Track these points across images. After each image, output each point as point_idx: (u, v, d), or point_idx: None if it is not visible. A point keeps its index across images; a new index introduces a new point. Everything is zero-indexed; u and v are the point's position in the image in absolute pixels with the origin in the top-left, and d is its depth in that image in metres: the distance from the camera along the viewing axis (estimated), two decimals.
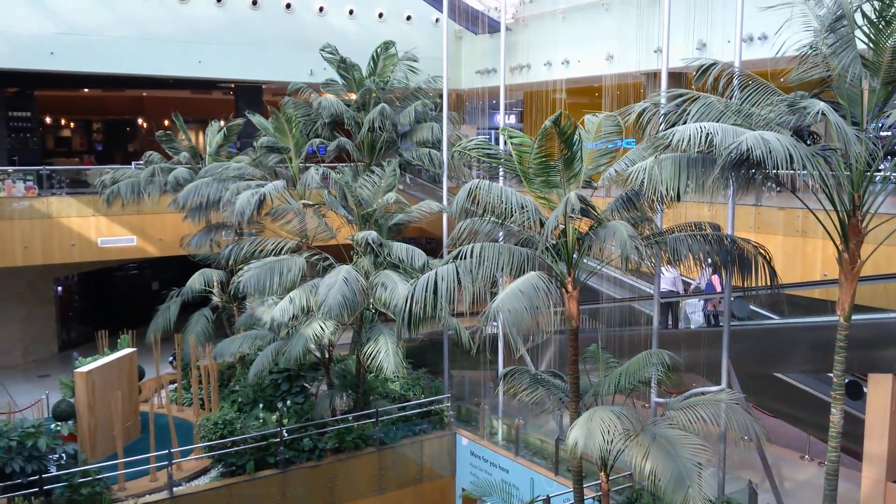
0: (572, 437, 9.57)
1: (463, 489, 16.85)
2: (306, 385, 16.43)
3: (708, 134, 8.84)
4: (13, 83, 23.64)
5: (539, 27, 22.73)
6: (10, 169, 20.24)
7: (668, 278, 15.59)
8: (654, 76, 19.18)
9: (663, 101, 10.72)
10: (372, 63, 20.30)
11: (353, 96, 20.34)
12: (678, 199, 9.86)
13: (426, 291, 10.73)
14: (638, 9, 18.12)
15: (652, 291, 13.80)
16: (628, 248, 9.62)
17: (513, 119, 28.08)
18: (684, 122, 9.71)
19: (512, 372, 11.93)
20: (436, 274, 10.87)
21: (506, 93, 18.12)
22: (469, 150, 12.15)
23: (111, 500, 13.39)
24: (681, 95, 10.35)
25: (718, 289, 15.19)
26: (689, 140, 8.88)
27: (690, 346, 14.71)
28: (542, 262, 11.00)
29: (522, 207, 10.90)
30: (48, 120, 31.00)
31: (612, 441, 9.30)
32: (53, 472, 13.02)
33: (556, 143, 10.69)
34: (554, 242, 10.85)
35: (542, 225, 10.88)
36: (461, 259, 10.83)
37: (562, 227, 10.78)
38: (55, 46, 20.08)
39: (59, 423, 15.13)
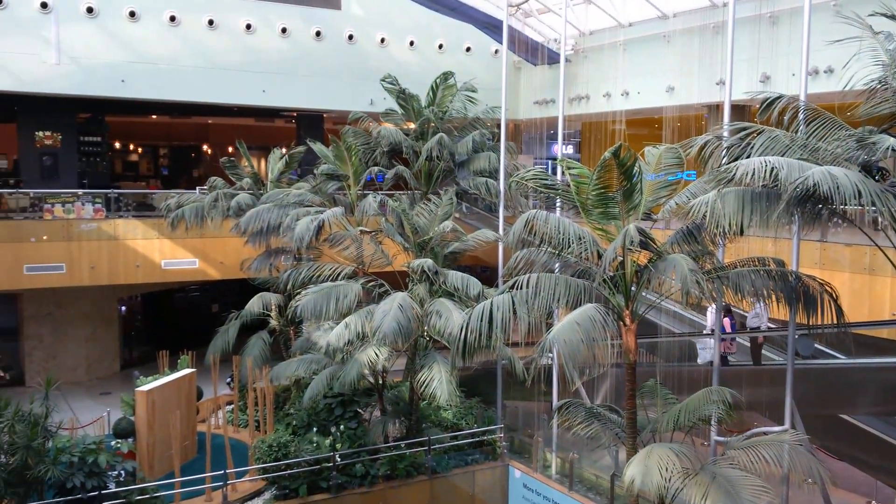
0: (629, 473, 9.42)
1: None
2: (360, 410, 16.50)
3: (773, 168, 8.70)
4: (86, 109, 24.59)
5: (599, 58, 22.73)
6: (81, 192, 20.94)
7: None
8: (716, 108, 18.96)
9: (726, 133, 10.61)
10: (431, 93, 20.56)
11: (412, 125, 20.60)
12: (741, 233, 9.71)
13: (481, 320, 10.74)
14: (700, 41, 18.02)
15: (713, 327, 13.54)
16: (689, 282, 9.48)
17: (570, 149, 28.01)
18: (748, 156, 9.59)
19: (567, 405, 11.81)
20: (491, 303, 10.89)
21: (564, 123, 18.12)
22: (527, 180, 12.18)
23: None
24: (745, 129, 10.22)
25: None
26: (754, 174, 8.75)
27: (752, 384, 14.35)
28: (599, 294, 10.92)
29: (580, 238, 10.86)
30: (117, 145, 32.08)
31: (670, 479, 9.12)
32: (112, 488, 13.29)
33: (616, 174, 10.64)
34: (612, 274, 10.77)
35: (599, 257, 10.81)
36: (517, 289, 10.83)
37: (620, 259, 10.70)
38: (126, 74, 20.82)
39: (119, 441, 15.51)
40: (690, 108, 20.15)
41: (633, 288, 10.85)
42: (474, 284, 14.75)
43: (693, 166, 12.57)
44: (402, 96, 20.41)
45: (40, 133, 22.19)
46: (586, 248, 10.82)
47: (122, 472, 13.71)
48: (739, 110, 17.35)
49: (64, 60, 20.00)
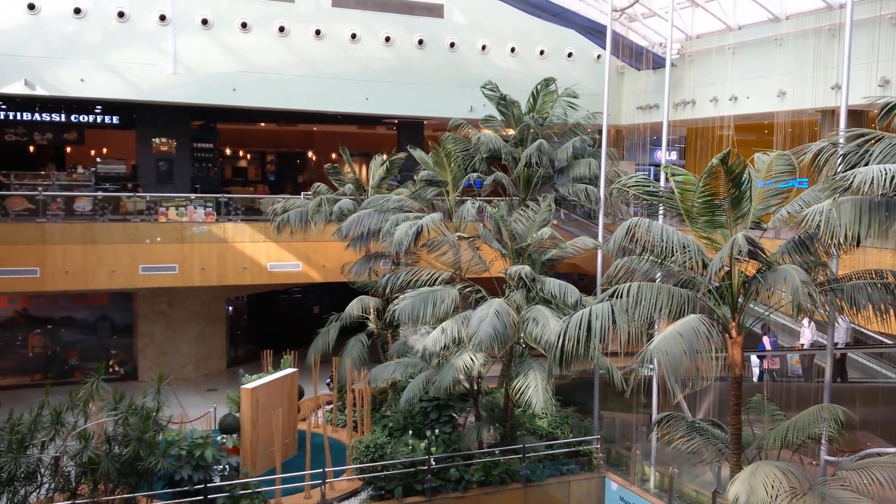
0: (733, 491, 9.08)
1: None
2: (454, 415, 16.55)
3: (893, 177, 8.25)
4: (199, 117, 25.74)
5: (706, 62, 22.13)
6: (193, 196, 21.90)
7: (807, 332, 14.75)
8: (830, 114, 18.13)
9: (842, 140, 10.11)
10: (531, 99, 20.48)
11: (512, 132, 20.57)
12: (857, 244, 9.23)
13: (579, 329, 10.59)
14: (815, 43, 17.27)
15: (824, 341, 12.92)
16: (801, 295, 9.08)
17: (674, 156, 27.38)
18: (866, 164, 9.11)
19: (667, 418, 11.51)
20: (590, 312, 10.72)
21: (668, 129, 17.72)
22: (628, 187, 11.96)
23: None
24: (863, 135, 9.72)
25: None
26: (873, 182, 8.32)
27: (867, 402, 13.61)
28: (704, 305, 10.60)
29: (684, 247, 10.56)
30: (228, 151, 33.39)
31: (776, 498, 8.74)
32: (217, 482, 13.76)
33: (723, 181, 10.32)
34: (717, 285, 10.43)
35: (704, 266, 10.49)
36: (617, 298, 10.62)
37: (726, 269, 10.34)
38: (238, 83, 21.68)
39: (225, 436, 16.07)
40: (803, 113, 19.34)
41: (739, 299, 10.47)
42: (572, 292, 14.56)
43: (806, 174, 12.04)
44: (503, 103, 20.42)
45: (157, 139, 23.35)
46: (691, 257, 10.51)
47: (227, 466, 14.19)
48: (856, 116, 16.54)
49: (180, 70, 21.00)
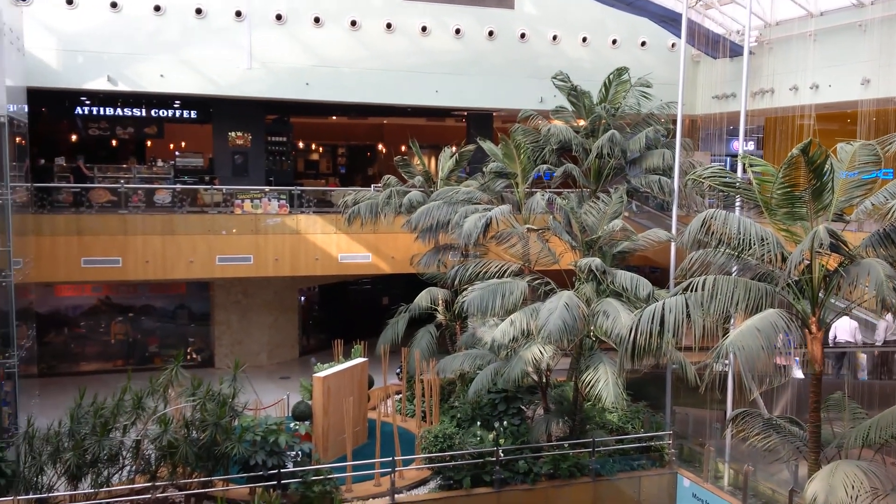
0: (811, 490, 8.83)
1: None
2: (523, 407, 16.52)
3: None
4: (273, 111, 26.25)
5: (785, 50, 21.43)
6: (267, 188, 22.36)
7: (847, 328, 14.14)
8: None
9: None
10: (603, 90, 20.21)
11: (583, 123, 20.34)
12: None
13: (651, 322, 10.45)
14: None
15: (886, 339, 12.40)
16: (885, 289, 8.75)
17: (751, 146, 26.62)
18: None
19: (743, 414, 11.26)
20: (663, 305, 10.56)
21: (746, 118, 17.23)
22: (704, 178, 11.70)
23: (340, 500, 14.22)
24: None
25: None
26: None
27: None
28: (782, 300, 10.30)
29: (762, 240, 10.29)
30: (300, 144, 33.97)
31: (856, 499, 8.46)
32: (290, 467, 14.07)
33: (804, 172, 10.00)
34: (797, 279, 10.12)
35: (783, 259, 10.20)
36: (691, 291, 10.42)
37: (807, 262, 10.03)
38: (311, 77, 22.02)
39: (297, 423, 16.40)
40: (889, 101, 18.55)
41: (820, 294, 10.14)
42: (644, 285, 14.34)
43: (891, 164, 11.56)
44: (574, 93, 20.21)
45: (233, 133, 23.92)
46: (769, 250, 10.23)
47: (300, 452, 14.48)
48: None
49: (255, 65, 21.45)
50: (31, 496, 12.93)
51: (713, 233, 10.81)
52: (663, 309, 10.36)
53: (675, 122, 19.17)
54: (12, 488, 12.93)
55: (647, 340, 10.37)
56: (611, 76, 20.17)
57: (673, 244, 17.43)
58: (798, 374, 15.46)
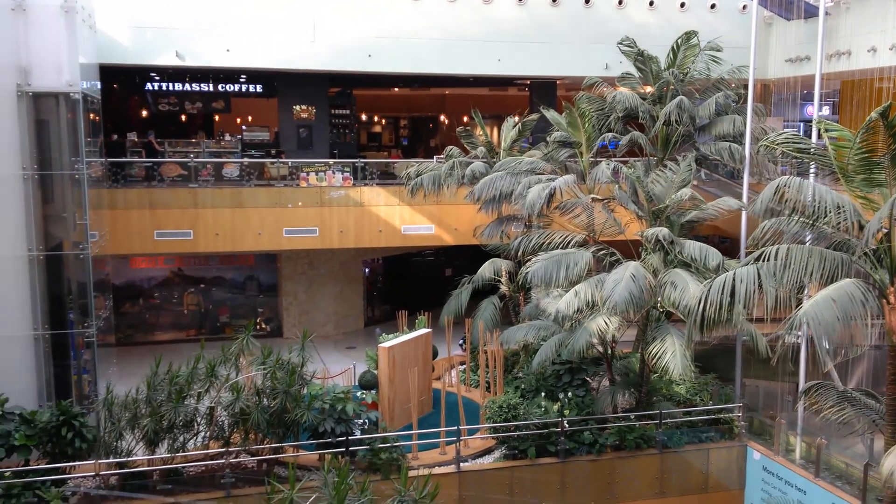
0: (888, 464, 8.58)
1: None
2: (588, 379, 16.44)
3: None
4: (336, 84, 26.39)
5: (864, 10, 20.44)
6: (332, 161, 22.55)
7: None
8: None
9: None
10: (671, 54, 19.67)
11: (649, 89, 19.87)
12: None
13: (721, 293, 10.24)
14: None
15: None
16: None
17: (826, 111, 25.64)
18: None
19: (816, 387, 10.97)
20: (734, 275, 10.32)
21: (821, 82, 16.57)
22: (777, 144, 11.32)
23: (407, 468, 14.45)
24: None
25: None
26: None
27: None
28: (859, 269, 9.94)
29: (838, 207, 9.94)
30: (363, 117, 34.12)
31: None
32: (358, 435, 14.37)
33: (883, 136, 9.60)
34: (874, 248, 9.75)
35: (860, 228, 9.84)
36: (763, 261, 10.15)
37: (885, 230, 9.64)
38: (373, 50, 22.00)
39: (364, 392, 16.71)
40: None
41: None
42: (713, 255, 14.03)
43: None
44: (640, 59, 19.72)
45: (297, 107, 24.15)
46: (845, 218, 9.88)
47: (367, 420, 14.76)
48: None
49: (318, 38, 21.53)
50: (111, 460, 13.50)
51: (787, 201, 10.48)
52: (734, 279, 10.12)
53: (746, 87, 18.56)
54: (94, 452, 13.53)
55: (717, 311, 10.17)
56: (679, 40, 19.61)
57: (744, 213, 16.97)
58: None
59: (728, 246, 20.83)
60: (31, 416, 13.35)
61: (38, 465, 13.39)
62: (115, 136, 23.42)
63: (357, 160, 22.80)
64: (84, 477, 13.61)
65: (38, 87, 14.93)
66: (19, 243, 14.91)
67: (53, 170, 15.29)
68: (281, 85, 24.15)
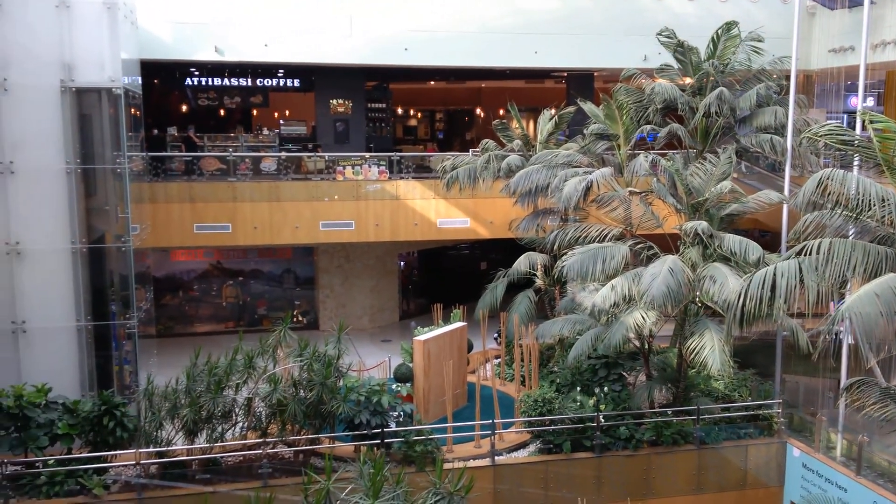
0: None
1: (792, 502, 15.59)
2: (624, 373, 16.32)
3: None
4: (373, 78, 26.47)
5: None
6: (368, 155, 22.65)
7: None
8: None
9: None
10: (711, 45, 19.36)
11: (689, 80, 19.59)
12: None
13: (762, 287, 10.09)
14: None
15: None
16: None
17: (870, 102, 25.04)
18: None
19: (858, 383, 10.75)
20: (774, 269, 10.16)
21: (866, 72, 16.19)
22: (820, 136, 11.10)
23: (442, 460, 14.46)
24: None
25: None
26: None
27: None
28: None
29: (883, 200, 9.72)
30: (399, 110, 34.20)
31: None
32: (393, 427, 14.43)
33: None
34: None
35: None
36: (805, 255, 9.96)
37: None
38: (409, 43, 22.02)
39: (399, 385, 16.78)
40: None
41: None
42: (754, 249, 13.80)
43: None
44: (680, 50, 19.44)
45: (334, 101, 24.27)
46: (890, 212, 9.65)
47: (402, 413, 14.82)
48: None
49: (355, 32, 21.61)
50: (151, 449, 13.75)
51: (829, 193, 10.28)
52: (775, 273, 9.96)
53: (788, 77, 18.21)
54: (134, 442, 13.79)
55: (757, 306, 10.02)
56: (719, 31, 19.28)
57: (785, 206, 16.68)
58: None
59: (768, 240, 20.48)
60: (73, 406, 13.65)
61: (81, 453, 13.68)
62: (156, 131, 23.79)
63: (393, 154, 22.86)
64: (125, 466, 13.88)
65: (81, 82, 15.20)
66: (63, 236, 15.23)
67: (96, 164, 15.58)
68: (318, 79, 24.30)
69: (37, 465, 13.14)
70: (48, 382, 13.89)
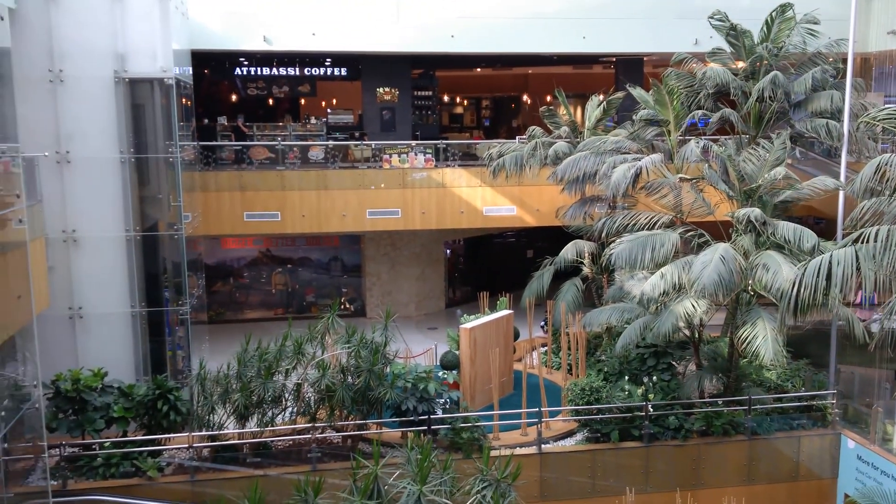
0: None
1: (846, 495, 15.25)
2: (673, 363, 16.11)
3: None
4: (419, 66, 26.47)
5: None
6: (414, 143, 22.68)
7: None
8: None
9: None
10: (765, 28, 18.87)
11: (742, 64, 19.15)
12: None
13: (817, 276, 9.89)
14: None
15: None
16: None
17: None
18: None
19: None
20: (830, 258, 9.92)
21: None
22: (878, 120, 10.78)
23: (489, 448, 14.50)
24: None
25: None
26: None
27: None
28: None
29: None
30: (445, 98, 34.15)
31: None
32: (440, 414, 14.49)
33: None
34: None
35: None
36: (862, 242, 9.70)
37: None
38: (455, 30, 21.93)
39: (446, 372, 16.84)
40: None
41: None
42: (808, 236, 13.46)
43: None
44: (732, 33, 18.99)
45: (381, 89, 24.34)
46: None
47: (448, 400, 14.86)
48: None
49: (402, 20, 21.61)
50: (203, 433, 14.03)
51: (888, 180, 10.01)
52: (830, 261, 9.74)
53: (844, 61, 17.67)
54: (187, 425, 14.09)
55: (812, 295, 9.83)
56: (773, 13, 18.78)
57: (842, 193, 16.22)
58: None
59: (823, 227, 20.00)
60: (128, 390, 14.00)
61: (136, 436, 14.03)
62: (207, 121, 24.16)
63: (439, 142, 22.85)
64: (178, 448, 14.22)
65: (134, 73, 15.50)
66: (117, 224, 15.59)
67: (149, 153, 15.88)
68: (365, 68, 24.38)
69: (93, 447, 13.52)
70: (104, 367, 14.27)
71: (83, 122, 15.29)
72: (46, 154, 14.39)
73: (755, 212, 14.00)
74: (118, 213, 15.59)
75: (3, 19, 11.73)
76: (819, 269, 9.76)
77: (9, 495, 10.81)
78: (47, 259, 14.83)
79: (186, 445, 14.00)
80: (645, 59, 25.26)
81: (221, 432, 14.25)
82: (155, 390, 13.92)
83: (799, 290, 9.90)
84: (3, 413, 10.28)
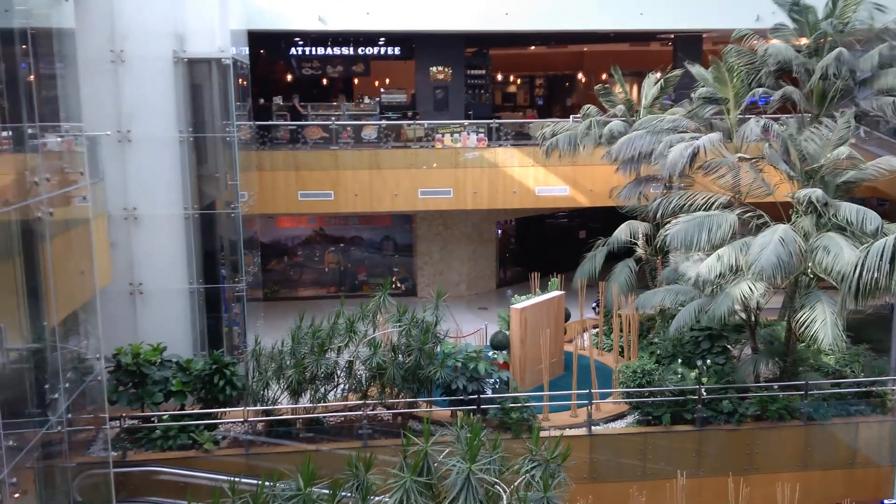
0: None
1: None
2: (728, 346, 15.85)
3: None
4: (472, 44, 26.29)
5: None
6: (466, 122, 22.58)
7: None
8: None
9: None
10: (830, 4, 18.22)
11: (805, 41, 18.56)
12: None
13: (880, 259, 9.63)
14: None
15: None
16: None
17: None
18: None
19: None
20: (894, 240, 9.59)
21: None
22: None
23: (538, 428, 14.50)
24: None
25: None
26: None
27: None
28: None
29: None
30: (498, 77, 33.88)
31: None
32: (489, 394, 14.54)
33: None
34: None
35: None
36: None
37: None
38: (510, 7, 21.70)
39: (496, 352, 16.86)
40: None
41: None
42: (872, 218, 13.05)
43: None
44: (795, 9, 18.39)
45: (434, 68, 24.27)
46: None
47: (498, 380, 14.90)
48: None
49: None
50: (258, 408, 14.35)
51: None
52: (894, 244, 9.41)
53: None
54: (242, 400, 14.42)
55: (874, 278, 9.54)
56: None
57: None
58: None
59: (887, 209, 19.38)
60: (186, 365, 14.37)
61: (193, 410, 14.41)
62: (262, 101, 24.43)
63: (492, 121, 22.71)
64: (233, 422, 14.56)
65: (192, 53, 15.76)
66: (176, 202, 15.94)
67: (206, 132, 16.16)
68: (418, 47, 24.34)
69: (152, 419, 13.94)
70: (163, 342, 14.67)
71: (143, 102, 15.62)
72: (108, 133, 14.76)
73: (817, 192, 13.62)
74: (177, 192, 15.92)
75: (67, 0, 11.99)
76: (882, 251, 9.48)
77: (71, 465, 11.21)
78: (109, 236, 15.26)
79: (241, 419, 14.34)
80: (704, 35, 24.66)
81: (275, 407, 14.55)
82: (211, 365, 14.26)
83: (861, 274, 9.63)
84: (67, 385, 10.63)
